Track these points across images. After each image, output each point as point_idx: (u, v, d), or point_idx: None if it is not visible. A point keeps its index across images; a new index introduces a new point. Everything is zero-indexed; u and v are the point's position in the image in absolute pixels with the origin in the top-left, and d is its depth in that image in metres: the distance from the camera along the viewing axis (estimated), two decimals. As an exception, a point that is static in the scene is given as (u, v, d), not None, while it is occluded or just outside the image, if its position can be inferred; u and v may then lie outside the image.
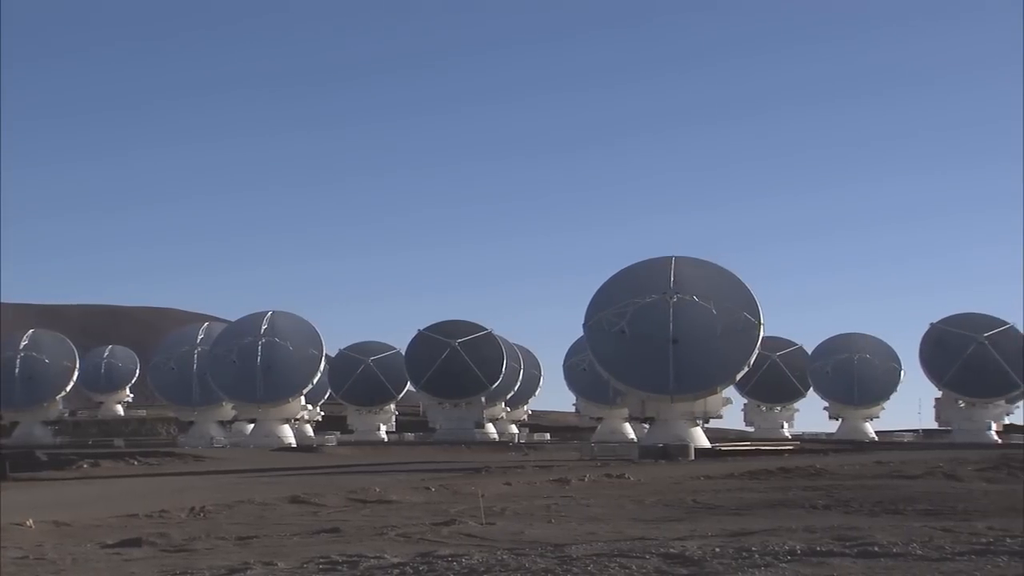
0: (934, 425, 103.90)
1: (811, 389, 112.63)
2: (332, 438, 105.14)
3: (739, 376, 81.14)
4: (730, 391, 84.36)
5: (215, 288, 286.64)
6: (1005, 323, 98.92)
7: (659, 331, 76.52)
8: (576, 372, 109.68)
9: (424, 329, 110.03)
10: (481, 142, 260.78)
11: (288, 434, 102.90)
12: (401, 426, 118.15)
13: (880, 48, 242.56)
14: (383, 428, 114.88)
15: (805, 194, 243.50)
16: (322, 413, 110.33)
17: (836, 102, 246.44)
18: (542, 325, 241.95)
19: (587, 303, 79.82)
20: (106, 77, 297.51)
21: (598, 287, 79.82)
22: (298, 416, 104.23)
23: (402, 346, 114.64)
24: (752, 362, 79.40)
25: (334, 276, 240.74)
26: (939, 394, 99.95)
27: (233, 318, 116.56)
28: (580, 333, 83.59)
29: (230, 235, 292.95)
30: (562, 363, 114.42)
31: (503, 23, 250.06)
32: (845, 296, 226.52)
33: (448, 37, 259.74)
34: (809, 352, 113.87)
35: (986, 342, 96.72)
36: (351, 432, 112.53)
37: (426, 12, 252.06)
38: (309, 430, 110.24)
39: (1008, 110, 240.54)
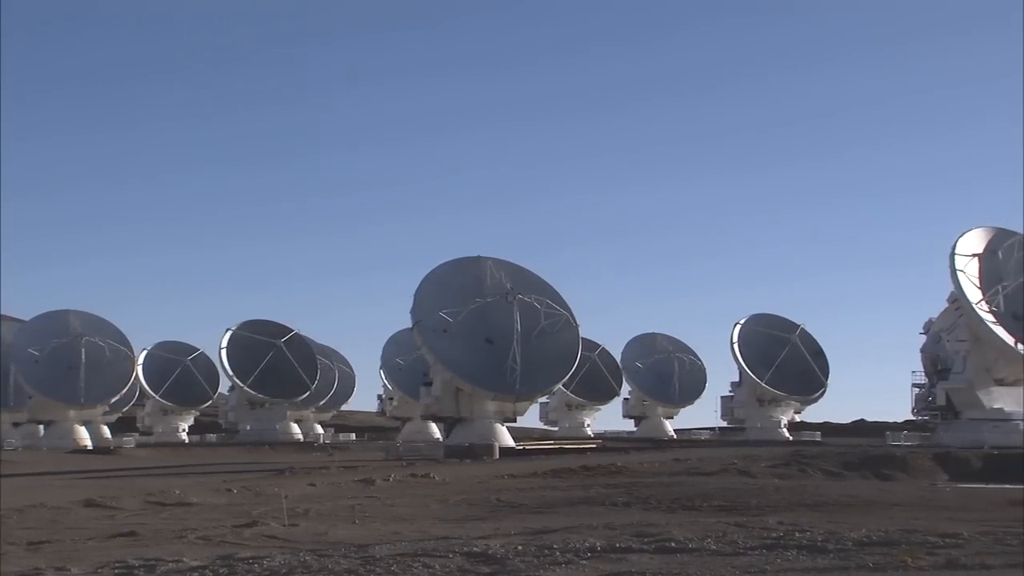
0: (730, 423, 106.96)
1: (623, 387, 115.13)
2: (130, 439, 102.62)
3: (568, 375, 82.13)
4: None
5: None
6: (797, 325, 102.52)
7: (495, 331, 76.76)
8: (394, 371, 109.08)
9: (231, 328, 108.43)
10: (256, 140, 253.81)
11: (84, 436, 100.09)
12: (202, 427, 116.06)
13: (675, 52, 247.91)
14: (183, 429, 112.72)
15: (571, 197, 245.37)
16: (119, 413, 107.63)
17: (632, 105, 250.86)
18: (336, 324, 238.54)
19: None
20: None
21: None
22: (96, 417, 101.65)
23: (203, 345, 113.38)
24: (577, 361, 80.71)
25: (108, 275, 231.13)
26: (727, 392, 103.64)
27: (17, 316, 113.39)
28: (384, 332, 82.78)
29: (8, 233, 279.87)
30: (379, 361, 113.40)
31: (310, 21, 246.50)
32: (622, 296, 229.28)
33: (233, 40, 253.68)
34: (611, 352, 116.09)
35: (798, 341, 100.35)
36: (150, 434, 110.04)
37: (206, 12, 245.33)
38: (106, 431, 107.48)
39: (803, 111, 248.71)
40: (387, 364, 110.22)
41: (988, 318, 69.36)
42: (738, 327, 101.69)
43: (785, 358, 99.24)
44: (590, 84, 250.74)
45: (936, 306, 75.41)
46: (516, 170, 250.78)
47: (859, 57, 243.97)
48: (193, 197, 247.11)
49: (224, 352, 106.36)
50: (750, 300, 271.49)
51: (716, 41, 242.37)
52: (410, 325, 78.35)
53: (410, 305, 76.66)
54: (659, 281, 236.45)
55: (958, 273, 69.94)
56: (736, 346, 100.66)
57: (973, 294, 70.04)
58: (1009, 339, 69.07)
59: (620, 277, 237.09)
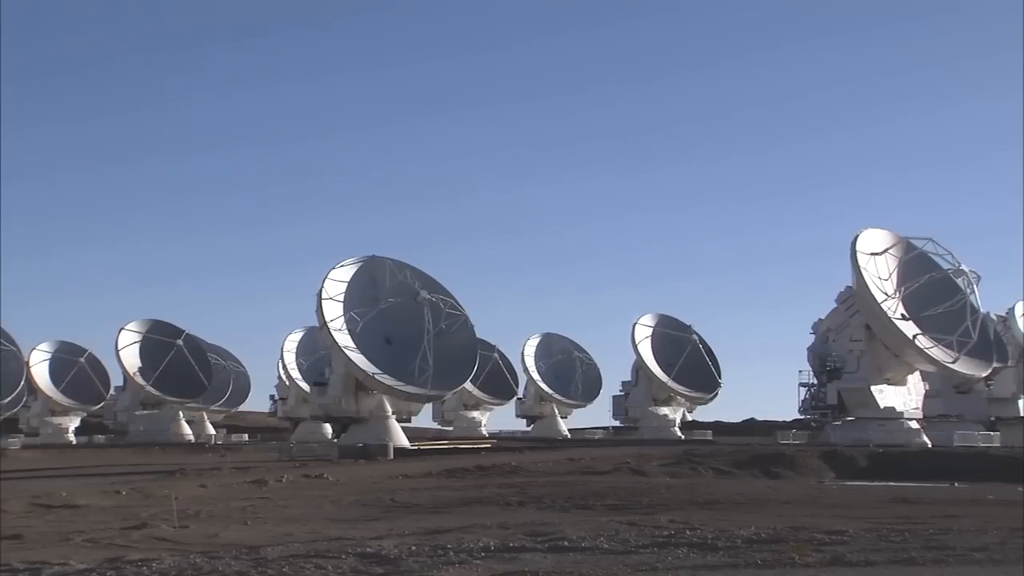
0: (624, 423, 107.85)
1: (521, 387, 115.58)
2: (15, 441, 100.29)
3: (472, 374, 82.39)
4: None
5: None
6: (687, 325, 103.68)
7: (393, 331, 76.55)
8: (300, 369, 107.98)
9: (126, 328, 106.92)
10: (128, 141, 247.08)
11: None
12: (89, 428, 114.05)
13: (564, 52, 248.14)
14: (70, 430, 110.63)
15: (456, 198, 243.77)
16: (8, 414, 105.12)
17: (522, 102, 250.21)
18: (224, 325, 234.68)
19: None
20: None
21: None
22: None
23: (87, 345, 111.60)
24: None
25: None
26: (618, 392, 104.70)
27: None
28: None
29: None
30: (278, 360, 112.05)
31: (189, 20, 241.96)
32: (499, 295, 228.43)
33: (111, 38, 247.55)
34: (505, 352, 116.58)
35: (698, 341, 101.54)
36: (36, 435, 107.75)
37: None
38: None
39: (690, 112, 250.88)
40: (297, 363, 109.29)
41: (895, 316, 70.59)
42: (641, 327, 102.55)
43: (683, 357, 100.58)
44: (480, 82, 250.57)
45: (824, 306, 76.74)
46: (401, 169, 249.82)
47: (743, 59, 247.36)
48: (73, 195, 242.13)
49: (137, 348, 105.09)
50: (634, 299, 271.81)
51: (604, 41, 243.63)
52: (311, 324, 77.95)
53: (307, 304, 76.33)
54: (540, 281, 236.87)
55: (863, 271, 70.80)
56: (647, 343, 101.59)
57: (875, 292, 71.16)
58: (910, 335, 70.31)
59: (498, 276, 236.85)
